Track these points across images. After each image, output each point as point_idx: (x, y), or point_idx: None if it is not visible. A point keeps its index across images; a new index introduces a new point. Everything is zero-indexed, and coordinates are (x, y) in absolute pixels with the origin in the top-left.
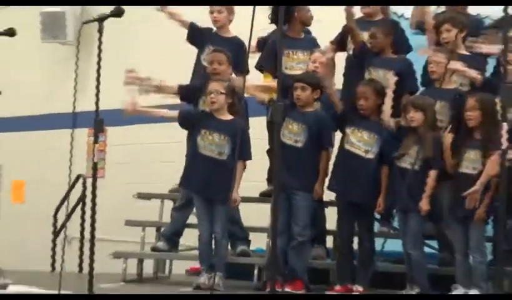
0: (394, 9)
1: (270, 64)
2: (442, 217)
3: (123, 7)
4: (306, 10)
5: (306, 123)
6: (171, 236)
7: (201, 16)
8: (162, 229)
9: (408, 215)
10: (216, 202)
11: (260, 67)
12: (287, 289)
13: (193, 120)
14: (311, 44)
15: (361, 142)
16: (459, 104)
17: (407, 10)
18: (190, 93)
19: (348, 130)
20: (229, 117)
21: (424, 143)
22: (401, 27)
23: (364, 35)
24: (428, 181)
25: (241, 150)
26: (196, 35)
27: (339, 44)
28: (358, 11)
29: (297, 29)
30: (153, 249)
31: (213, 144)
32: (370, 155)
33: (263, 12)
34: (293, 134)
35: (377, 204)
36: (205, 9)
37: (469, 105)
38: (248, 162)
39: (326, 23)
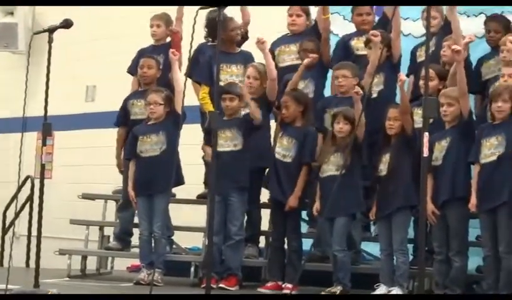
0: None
1: (205, 77)
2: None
3: (72, 19)
4: (235, 31)
5: (238, 128)
6: (121, 235)
7: None
8: (114, 229)
9: (335, 219)
10: (156, 195)
11: (195, 80)
12: (222, 285)
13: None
14: (245, 59)
15: (280, 147)
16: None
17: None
18: None
19: (278, 137)
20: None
21: (345, 152)
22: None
23: (292, 47)
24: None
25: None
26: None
27: None
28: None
29: (228, 45)
30: (106, 248)
31: (152, 144)
32: (288, 159)
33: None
34: (229, 140)
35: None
36: None
37: (392, 115)
38: (186, 167)
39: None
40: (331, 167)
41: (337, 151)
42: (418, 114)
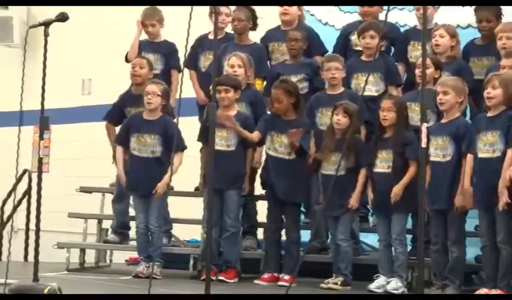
0: (319, 17)
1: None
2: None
3: (68, 13)
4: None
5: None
6: (118, 228)
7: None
8: (111, 222)
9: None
10: (151, 196)
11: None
12: (221, 277)
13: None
14: (255, 51)
15: (282, 146)
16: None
17: (330, 18)
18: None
19: (269, 136)
20: (158, 115)
21: (346, 149)
22: (316, 32)
23: (284, 46)
24: (359, 179)
25: (176, 142)
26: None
27: None
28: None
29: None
30: (105, 242)
31: (146, 145)
32: (292, 156)
33: None
34: (224, 139)
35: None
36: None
37: (385, 106)
38: (183, 158)
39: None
40: (331, 166)
41: (337, 150)
42: (415, 110)
